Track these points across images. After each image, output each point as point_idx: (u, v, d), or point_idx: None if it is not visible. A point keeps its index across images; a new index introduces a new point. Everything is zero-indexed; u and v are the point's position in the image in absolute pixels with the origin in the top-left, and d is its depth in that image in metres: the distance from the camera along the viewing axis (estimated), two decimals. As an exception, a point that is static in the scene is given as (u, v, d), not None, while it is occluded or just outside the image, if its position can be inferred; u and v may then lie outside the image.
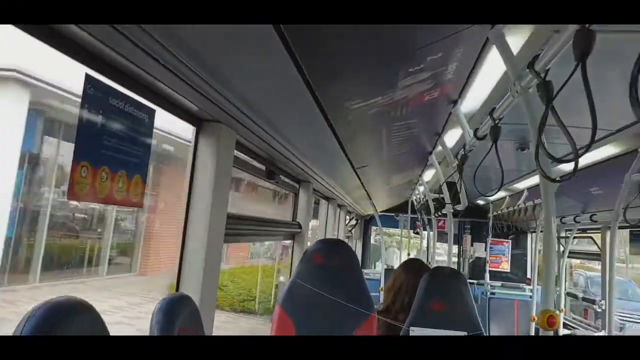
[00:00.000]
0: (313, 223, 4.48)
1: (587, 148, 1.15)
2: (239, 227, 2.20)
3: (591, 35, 1.12)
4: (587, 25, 1.13)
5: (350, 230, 7.63)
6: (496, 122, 2.03)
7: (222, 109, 1.62)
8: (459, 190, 3.13)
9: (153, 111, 1.42)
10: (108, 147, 1.23)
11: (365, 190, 5.07)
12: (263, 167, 2.61)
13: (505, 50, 1.65)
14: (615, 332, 3.32)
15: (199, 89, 1.43)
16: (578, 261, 9.58)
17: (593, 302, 5.43)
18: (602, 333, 5.01)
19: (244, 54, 1.37)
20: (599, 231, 5.32)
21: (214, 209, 1.77)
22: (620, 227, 3.52)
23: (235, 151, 2.00)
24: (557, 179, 1.46)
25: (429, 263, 6.13)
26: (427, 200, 5.28)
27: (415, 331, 2.55)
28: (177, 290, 1.72)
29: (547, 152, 1.35)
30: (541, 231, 5.75)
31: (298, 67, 1.48)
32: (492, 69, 2.06)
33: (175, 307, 1.38)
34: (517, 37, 1.77)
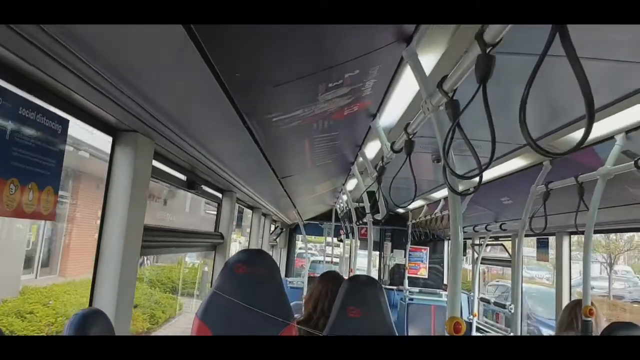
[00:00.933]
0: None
1: (488, 165, 1.24)
2: (157, 239, 2.17)
3: (491, 60, 1.21)
4: (487, 50, 1.23)
5: (275, 239, 7.64)
6: (410, 136, 2.13)
7: (139, 119, 1.60)
8: (377, 200, 3.24)
9: (67, 121, 1.38)
10: (18, 159, 1.18)
11: (290, 199, 5.11)
12: (184, 178, 2.58)
13: (417, 69, 1.74)
14: (522, 333, 3.54)
15: (115, 98, 1.41)
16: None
17: (503, 306, 5.75)
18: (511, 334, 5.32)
19: (161, 63, 1.36)
20: (509, 239, 5.66)
21: (130, 221, 1.74)
22: (526, 235, 3.78)
23: (155, 161, 1.97)
24: (462, 192, 1.55)
25: (351, 270, 6.25)
26: (349, 209, 5.39)
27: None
28: (90, 304, 1.67)
29: (451, 170, 1.44)
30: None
31: (217, 78, 1.49)
32: (407, 86, 2.17)
33: (88, 322, 1.35)
34: (430, 57, 1.87)
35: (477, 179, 1.36)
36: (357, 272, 5.49)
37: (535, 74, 0.95)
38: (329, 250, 9.29)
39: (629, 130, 2.37)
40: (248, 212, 5.41)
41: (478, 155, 1.37)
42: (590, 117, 0.90)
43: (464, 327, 1.62)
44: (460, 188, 1.62)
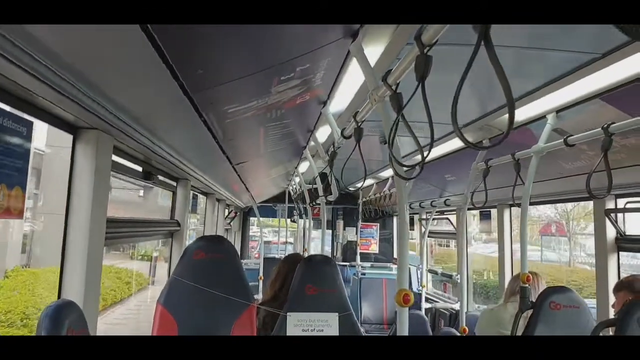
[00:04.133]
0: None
1: (429, 152, 1.38)
2: (119, 230, 2.22)
3: (429, 60, 1.35)
4: (425, 50, 1.36)
5: (229, 223, 7.69)
6: (359, 124, 2.26)
7: (98, 116, 1.64)
8: (330, 182, 3.37)
9: (31, 123, 1.43)
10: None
11: (244, 184, 5.18)
12: (140, 169, 2.62)
13: (363, 63, 1.85)
14: (469, 303, 3.79)
15: (74, 97, 1.45)
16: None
17: (450, 276, 6.05)
18: (457, 304, 5.63)
19: (120, 62, 1.41)
20: (454, 212, 5.94)
21: (93, 215, 1.79)
22: (469, 209, 4.01)
23: (113, 155, 2.02)
24: (407, 177, 1.69)
25: (305, 250, 6.40)
26: (302, 191, 5.52)
27: (292, 316, 2.74)
28: (59, 296, 1.73)
29: (395, 159, 1.57)
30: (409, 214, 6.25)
31: (174, 76, 1.55)
32: (355, 76, 2.29)
33: (62, 313, 1.42)
34: (374, 50, 1.99)
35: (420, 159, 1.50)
36: (312, 252, 5.65)
37: (467, 71, 1.08)
38: (282, 232, 9.41)
39: (559, 110, 2.58)
40: (202, 198, 5.45)
41: (422, 135, 1.52)
42: (511, 107, 1.03)
43: (412, 299, 1.78)
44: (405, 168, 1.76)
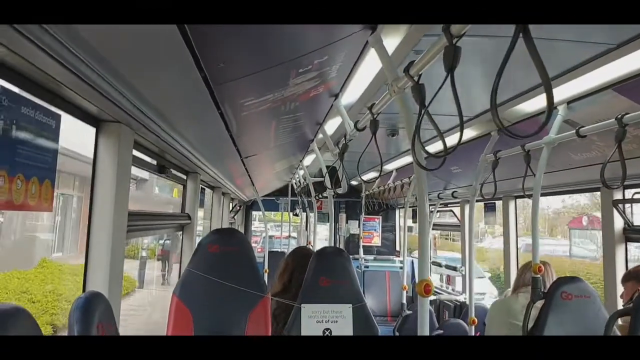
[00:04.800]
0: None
1: (455, 147, 1.39)
2: (139, 223, 2.24)
3: (458, 51, 1.36)
4: (454, 41, 1.37)
5: (233, 217, 7.71)
6: (375, 116, 2.27)
7: (122, 109, 1.66)
8: (340, 177, 3.38)
9: (59, 116, 1.44)
10: (22, 155, 1.25)
11: (250, 177, 5.20)
12: (154, 162, 2.64)
13: (383, 55, 1.86)
14: (475, 295, 3.81)
15: (100, 89, 1.45)
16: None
17: (455, 268, 6.09)
18: (463, 296, 5.66)
19: (146, 53, 1.42)
20: (458, 205, 5.96)
21: (116, 208, 1.81)
22: (477, 201, 4.03)
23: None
24: (430, 168, 1.71)
25: (310, 244, 6.42)
26: (307, 184, 5.53)
27: (307, 307, 2.76)
28: (84, 287, 1.75)
29: (424, 148, 1.58)
30: (410, 207, 6.29)
31: (199, 67, 1.56)
32: (370, 68, 2.30)
33: (92, 304, 1.44)
34: (393, 40, 2.00)
35: (435, 149, 1.52)
36: (317, 245, 5.67)
37: (505, 63, 1.09)
38: (285, 226, 9.43)
39: (570, 101, 2.60)
40: (207, 193, 5.46)
41: (430, 127, 1.54)
42: (549, 101, 1.05)
43: (433, 288, 1.80)
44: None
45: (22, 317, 1.02)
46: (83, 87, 1.41)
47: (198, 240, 2.76)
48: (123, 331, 1.74)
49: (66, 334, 1.36)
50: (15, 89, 1.26)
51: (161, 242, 9.96)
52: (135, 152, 2.24)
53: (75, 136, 1.52)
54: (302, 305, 2.74)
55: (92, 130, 1.77)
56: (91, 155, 1.75)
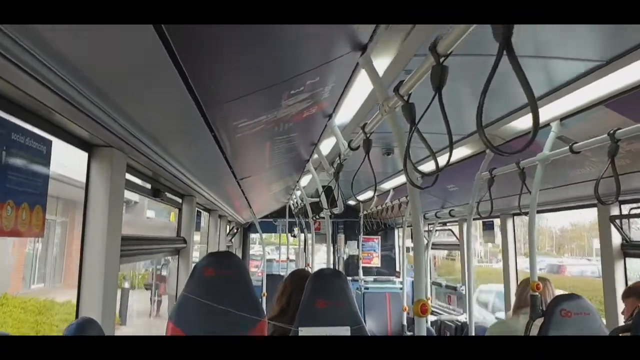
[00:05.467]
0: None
1: (446, 164, 1.39)
2: (133, 248, 2.23)
3: (445, 70, 1.37)
4: (440, 60, 1.38)
5: (230, 240, 7.68)
6: (368, 135, 2.28)
7: (114, 133, 1.65)
8: (336, 196, 3.37)
9: (50, 142, 1.44)
10: (12, 181, 1.24)
11: (247, 199, 5.19)
12: (149, 186, 2.63)
13: (373, 76, 1.88)
14: (475, 314, 3.79)
15: (91, 114, 1.45)
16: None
17: (454, 288, 6.05)
18: (464, 316, 5.62)
19: (136, 77, 1.42)
20: (457, 224, 5.95)
21: (109, 232, 1.80)
22: (474, 219, 4.02)
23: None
24: (422, 187, 1.71)
25: (308, 266, 6.38)
26: (304, 205, 5.52)
27: (304, 331, 2.73)
28: (77, 314, 1.73)
29: (414, 167, 1.59)
30: (408, 226, 6.27)
31: (190, 90, 1.57)
32: (362, 88, 2.32)
33: (85, 331, 1.42)
34: (383, 61, 2.02)
35: (430, 166, 1.53)
36: (315, 267, 5.64)
37: (490, 79, 1.09)
38: (283, 249, 9.38)
39: (562, 118, 2.61)
40: (203, 216, 5.44)
41: (422, 146, 1.55)
42: (535, 117, 1.05)
43: (430, 309, 1.78)
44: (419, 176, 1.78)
45: None
46: (74, 113, 1.41)
47: (194, 264, 2.74)
48: None
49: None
50: (5, 115, 1.26)
51: (149, 269, 9.80)
52: (129, 176, 2.24)
53: (57, 158, 1.51)
54: (299, 328, 2.71)
55: (75, 151, 1.75)
56: (75, 177, 1.74)
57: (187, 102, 1.61)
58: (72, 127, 1.58)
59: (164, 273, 9.86)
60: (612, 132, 2.24)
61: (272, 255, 11.87)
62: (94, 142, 1.75)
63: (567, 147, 2.57)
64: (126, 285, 9.23)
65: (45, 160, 1.41)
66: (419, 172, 1.60)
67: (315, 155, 3.73)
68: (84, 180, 1.80)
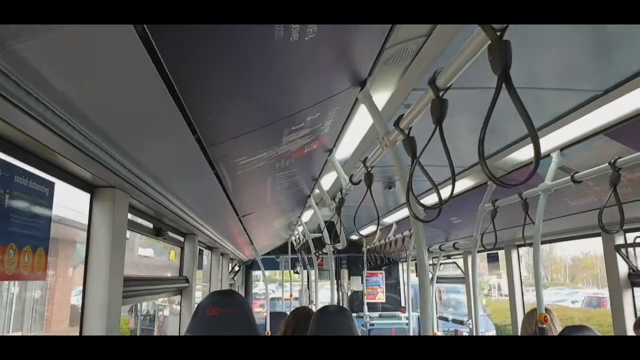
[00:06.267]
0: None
1: (449, 197, 1.39)
2: (135, 288, 2.21)
3: (444, 103, 1.38)
4: (440, 94, 1.39)
5: (232, 278, 7.61)
6: (369, 169, 2.28)
7: (116, 174, 1.66)
8: (338, 231, 3.36)
9: (52, 184, 1.44)
10: (14, 224, 1.24)
11: (248, 236, 5.17)
12: (151, 225, 2.63)
13: (373, 110, 1.89)
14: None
15: (94, 155, 1.46)
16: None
17: (461, 322, 5.95)
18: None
19: (138, 118, 1.44)
20: (461, 256, 5.90)
21: (111, 273, 1.79)
22: (479, 252, 4.00)
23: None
24: (426, 220, 1.70)
25: (312, 303, 6.30)
26: (307, 240, 5.49)
27: None
28: None
29: (417, 200, 1.58)
30: (412, 260, 6.22)
31: (192, 129, 1.58)
32: (361, 122, 2.34)
33: None
34: (381, 96, 2.05)
35: (432, 199, 1.52)
36: (319, 304, 5.56)
37: (490, 113, 1.10)
38: (286, 286, 9.28)
39: (563, 148, 2.62)
40: (205, 254, 5.41)
41: (423, 179, 1.55)
42: (536, 148, 1.05)
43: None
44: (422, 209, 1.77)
45: None
46: (76, 154, 1.42)
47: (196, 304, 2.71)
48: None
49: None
50: (8, 158, 1.26)
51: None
52: (131, 216, 2.24)
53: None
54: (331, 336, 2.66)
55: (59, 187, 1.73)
56: (58, 214, 1.71)
57: (189, 141, 1.62)
58: (74, 169, 1.59)
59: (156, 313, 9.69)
60: (612, 161, 2.24)
61: (276, 294, 11.73)
62: (96, 183, 1.75)
63: (569, 177, 2.57)
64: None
65: (48, 202, 1.41)
66: (422, 205, 1.59)
67: (317, 191, 3.73)
68: (67, 216, 1.78)
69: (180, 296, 3.54)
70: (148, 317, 10.25)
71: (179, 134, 1.55)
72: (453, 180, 1.32)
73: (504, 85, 1.06)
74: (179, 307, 3.59)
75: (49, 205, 1.42)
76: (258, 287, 10.53)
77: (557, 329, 2.82)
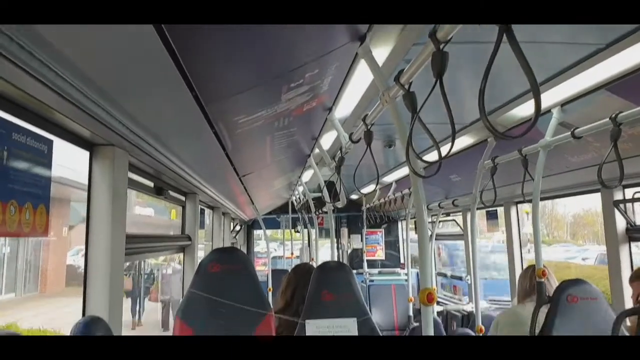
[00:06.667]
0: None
1: (449, 152, 1.39)
2: (138, 246, 2.23)
3: (445, 56, 1.36)
4: (441, 47, 1.37)
5: (234, 237, 7.68)
6: (369, 127, 2.27)
7: (115, 132, 1.66)
8: (338, 190, 3.37)
9: (51, 141, 1.44)
10: (14, 181, 1.24)
11: (249, 196, 5.19)
12: (151, 184, 2.63)
13: (373, 66, 1.87)
14: (481, 302, 3.78)
15: (92, 113, 1.46)
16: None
17: (460, 278, 6.05)
18: (469, 305, 5.62)
19: (135, 72, 1.42)
20: (460, 213, 5.95)
21: (113, 231, 1.80)
22: (478, 209, 4.02)
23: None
24: (425, 175, 1.70)
25: (312, 260, 6.38)
26: (307, 200, 5.52)
27: (311, 323, 2.73)
28: (83, 312, 1.73)
29: (417, 155, 1.58)
30: (411, 218, 6.27)
31: (190, 87, 1.57)
32: (361, 79, 2.31)
33: (91, 329, 1.42)
34: (382, 51, 2.01)
35: (433, 156, 1.52)
36: (320, 262, 5.63)
37: (489, 67, 1.09)
38: (287, 244, 9.38)
39: (564, 104, 2.60)
40: (206, 214, 5.44)
41: (424, 137, 1.54)
42: (537, 101, 1.05)
43: (436, 297, 1.78)
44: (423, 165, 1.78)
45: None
46: (75, 112, 1.41)
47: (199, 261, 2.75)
48: None
49: None
50: (6, 116, 1.26)
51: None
52: (132, 175, 2.24)
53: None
54: (305, 321, 2.71)
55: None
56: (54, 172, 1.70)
57: (187, 98, 1.61)
58: (73, 126, 1.58)
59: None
60: (614, 115, 2.23)
61: (277, 252, 11.87)
62: (95, 141, 1.75)
63: (569, 133, 2.56)
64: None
65: (47, 160, 1.41)
66: (422, 160, 1.59)
67: (317, 150, 3.73)
68: (59, 174, 1.77)
69: (183, 254, 3.59)
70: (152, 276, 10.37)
71: (177, 91, 1.53)
72: (453, 134, 1.32)
73: (505, 39, 1.05)
74: (178, 266, 3.64)
75: (49, 163, 1.42)
76: (260, 246, 10.64)
77: (553, 284, 2.86)
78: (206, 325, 2.62)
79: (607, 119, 2.26)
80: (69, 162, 1.95)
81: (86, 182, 1.79)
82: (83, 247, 1.77)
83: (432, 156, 3.37)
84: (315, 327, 2.70)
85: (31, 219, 1.32)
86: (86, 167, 1.79)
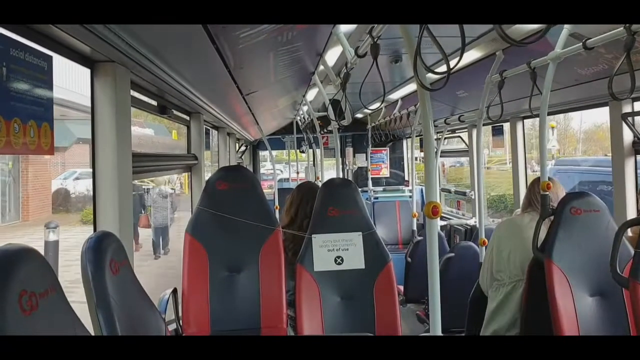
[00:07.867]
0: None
1: (456, 64, 1.35)
2: (144, 164, 2.25)
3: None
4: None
5: (240, 157, 7.73)
6: (375, 40, 2.21)
7: (116, 48, 1.62)
8: (343, 107, 3.34)
9: (50, 58, 1.41)
10: (16, 98, 1.23)
11: (253, 116, 5.16)
12: (155, 103, 2.61)
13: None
14: (485, 218, 3.84)
15: (91, 28, 1.42)
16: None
17: (464, 194, 6.11)
18: (473, 220, 5.72)
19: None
20: (466, 130, 5.92)
21: (119, 149, 1.81)
22: (484, 124, 3.99)
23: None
24: (432, 88, 1.67)
25: (318, 179, 6.44)
26: (312, 120, 5.48)
27: (317, 238, 2.80)
28: (94, 227, 1.78)
29: (425, 66, 1.55)
30: (417, 136, 6.25)
31: None
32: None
33: (103, 243, 1.47)
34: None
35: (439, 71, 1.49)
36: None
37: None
38: (294, 164, 9.42)
39: None
40: (212, 136, 5.44)
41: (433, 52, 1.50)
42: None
43: (441, 210, 1.81)
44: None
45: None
46: (74, 27, 1.37)
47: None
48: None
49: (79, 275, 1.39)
50: (4, 31, 1.22)
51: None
52: (135, 94, 2.22)
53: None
54: (312, 235, 2.78)
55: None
56: None
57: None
58: (72, 42, 1.54)
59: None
60: (628, 24, 2.15)
61: (284, 174, 11.95)
62: (95, 58, 1.71)
63: (580, 44, 2.49)
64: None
65: (48, 77, 1.39)
66: (431, 71, 1.55)
67: (321, 67, 3.65)
68: None
69: (190, 173, 3.62)
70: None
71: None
72: (463, 42, 1.28)
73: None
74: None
75: (49, 80, 1.40)
76: (265, 167, 10.70)
77: (559, 195, 2.86)
78: (216, 240, 2.70)
79: (621, 28, 2.19)
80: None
81: (74, 99, 1.78)
82: (78, 170, 1.79)
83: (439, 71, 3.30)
84: (321, 241, 2.77)
85: (36, 137, 1.32)
86: (72, 84, 1.77)
